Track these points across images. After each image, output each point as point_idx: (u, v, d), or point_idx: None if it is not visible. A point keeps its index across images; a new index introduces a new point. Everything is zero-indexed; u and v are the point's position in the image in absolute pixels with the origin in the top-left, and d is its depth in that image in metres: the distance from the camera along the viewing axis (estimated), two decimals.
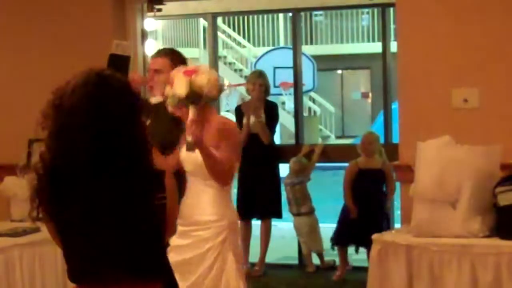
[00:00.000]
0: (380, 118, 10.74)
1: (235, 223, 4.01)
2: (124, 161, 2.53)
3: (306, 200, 7.49)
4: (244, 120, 7.50)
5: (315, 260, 7.52)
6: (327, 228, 7.54)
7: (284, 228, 8.54)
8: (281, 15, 20.08)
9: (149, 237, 2.56)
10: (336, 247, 7.13)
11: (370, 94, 24.19)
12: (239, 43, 21.06)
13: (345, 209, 7.06)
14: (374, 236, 4.64)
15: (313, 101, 21.02)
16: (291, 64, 8.33)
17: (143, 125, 2.64)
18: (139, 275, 2.57)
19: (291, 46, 8.83)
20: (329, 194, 10.63)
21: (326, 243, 7.45)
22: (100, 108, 2.52)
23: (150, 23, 6.17)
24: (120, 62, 5.94)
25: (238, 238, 4.08)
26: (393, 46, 7.15)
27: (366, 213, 6.87)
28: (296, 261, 7.80)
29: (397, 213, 5.56)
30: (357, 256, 7.22)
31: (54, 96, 2.56)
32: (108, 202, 2.52)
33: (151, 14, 6.13)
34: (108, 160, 2.51)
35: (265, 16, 20.50)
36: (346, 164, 7.35)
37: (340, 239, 7.06)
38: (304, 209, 7.46)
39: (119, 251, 2.54)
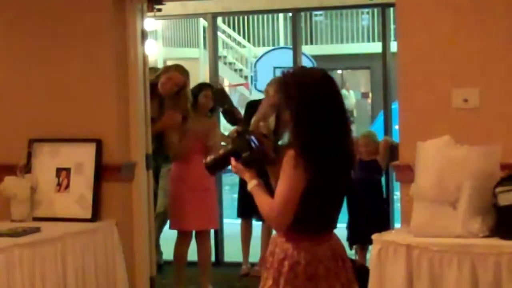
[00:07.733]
0: (380, 118, 10.76)
1: None
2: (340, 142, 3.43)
3: None
4: (252, 120, 7.49)
5: None
6: None
7: None
8: (281, 15, 20.11)
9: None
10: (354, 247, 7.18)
11: (370, 94, 24.19)
12: (239, 43, 21.08)
13: (351, 211, 7.12)
14: (374, 236, 4.64)
15: None
16: (291, 64, 8.34)
17: None
18: (334, 228, 3.60)
19: (291, 46, 8.84)
20: None
21: None
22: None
23: (150, 23, 6.16)
24: None
25: None
26: (393, 46, 7.15)
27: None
28: None
29: (397, 213, 5.56)
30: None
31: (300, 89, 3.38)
32: (336, 176, 3.44)
33: (151, 14, 6.11)
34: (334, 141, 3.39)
35: (265, 16, 20.53)
36: None
37: (356, 239, 7.10)
38: None
39: (335, 211, 3.54)
